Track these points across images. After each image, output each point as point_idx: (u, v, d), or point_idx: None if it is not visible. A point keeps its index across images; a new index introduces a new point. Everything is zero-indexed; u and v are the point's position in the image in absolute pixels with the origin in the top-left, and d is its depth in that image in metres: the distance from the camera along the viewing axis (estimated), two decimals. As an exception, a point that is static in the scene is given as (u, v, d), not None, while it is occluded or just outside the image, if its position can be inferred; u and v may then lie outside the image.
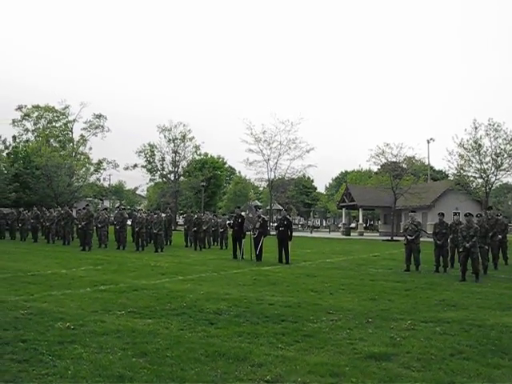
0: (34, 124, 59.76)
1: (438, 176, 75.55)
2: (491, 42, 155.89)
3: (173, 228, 31.47)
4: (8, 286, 11.25)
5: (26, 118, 59.44)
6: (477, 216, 17.03)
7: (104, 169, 59.23)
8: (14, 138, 56.44)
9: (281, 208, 52.58)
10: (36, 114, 59.72)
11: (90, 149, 58.55)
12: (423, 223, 31.95)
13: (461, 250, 14.56)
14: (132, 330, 7.11)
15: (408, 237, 16.37)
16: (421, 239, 16.71)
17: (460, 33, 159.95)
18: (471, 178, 43.37)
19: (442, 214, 17.09)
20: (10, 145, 55.32)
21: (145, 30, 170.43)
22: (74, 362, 5.59)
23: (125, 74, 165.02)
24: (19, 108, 59.43)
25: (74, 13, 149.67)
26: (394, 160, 46.09)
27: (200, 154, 71.60)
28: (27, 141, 58.10)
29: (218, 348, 6.23)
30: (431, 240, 17.32)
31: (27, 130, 59.49)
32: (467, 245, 14.09)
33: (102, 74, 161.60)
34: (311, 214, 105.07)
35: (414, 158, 48.27)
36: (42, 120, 59.86)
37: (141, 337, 6.73)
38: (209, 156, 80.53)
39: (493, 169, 40.87)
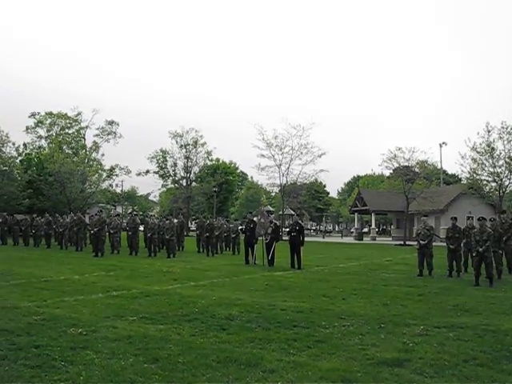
0: (47, 131, 60.17)
1: (451, 180, 75.09)
2: (506, 44, 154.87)
3: (185, 234, 31.51)
4: (21, 291, 11.30)
5: (40, 124, 59.89)
6: (490, 220, 16.88)
7: (116, 175, 59.51)
8: (25, 145, 56.77)
9: (293, 213, 52.60)
10: (49, 120, 60.15)
11: (103, 155, 58.86)
12: (436, 227, 31.81)
13: (474, 254, 14.45)
14: (144, 335, 7.12)
15: (421, 241, 16.29)
16: (434, 244, 16.63)
17: (473, 35, 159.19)
18: (484, 182, 43.00)
19: (455, 219, 16.99)
20: (22, 152, 55.72)
21: (156, 36, 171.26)
22: (86, 368, 5.61)
23: (138, 81, 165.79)
24: (32, 115, 59.91)
25: (90, 20, 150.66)
26: (407, 164, 45.90)
27: (212, 160, 71.79)
28: (39, 147, 58.50)
29: (230, 354, 6.22)
30: (444, 244, 17.23)
31: (40, 137, 59.91)
32: (480, 249, 13.99)
33: (115, 80, 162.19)
34: (323, 218, 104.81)
35: (426, 161, 47.98)
36: (55, 127, 60.26)
37: (153, 342, 6.74)
38: (221, 161, 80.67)
39: (506, 172, 40.51)
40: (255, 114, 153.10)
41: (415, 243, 17.18)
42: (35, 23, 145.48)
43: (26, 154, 55.63)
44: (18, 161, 52.68)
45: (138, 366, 5.70)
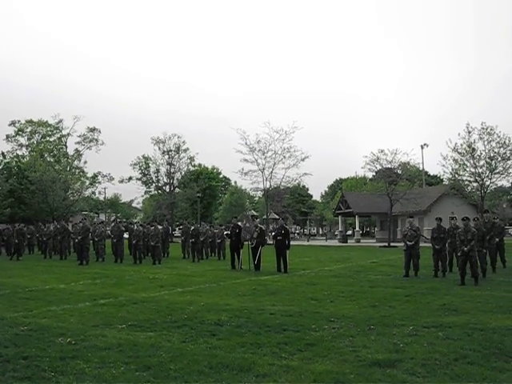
0: (28, 139, 59.84)
1: (433, 181, 75.68)
2: (484, 45, 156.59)
3: (170, 240, 31.40)
4: (6, 302, 11.18)
5: (20, 133, 59.46)
6: (474, 220, 17.02)
7: (99, 182, 59.49)
8: (3, 154, 56.20)
9: (277, 217, 52.55)
10: (30, 128, 59.86)
11: (85, 162, 58.67)
12: (420, 228, 31.97)
13: (459, 254, 14.55)
14: (134, 343, 7.08)
15: (408, 242, 16.38)
16: (419, 244, 16.72)
17: (452, 36, 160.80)
18: (466, 182, 43.38)
19: (440, 219, 17.09)
20: (1, 161, 55.18)
21: (136, 41, 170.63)
22: (77, 378, 5.55)
23: (117, 86, 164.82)
24: (12, 123, 59.53)
25: (68, 24, 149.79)
26: (389, 166, 46.13)
27: (194, 165, 71.78)
28: (17, 156, 57.97)
29: (222, 359, 6.20)
30: (429, 245, 17.34)
31: (21, 145, 59.51)
32: (465, 249, 14.09)
33: (95, 85, 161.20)
34: (307, 222, 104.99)
35: (408, 163, 48.27)
36: (36, 135, 59.96)
37: (143, 350, 6.69)
38: (203, 167, 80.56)
39: (487, 172, 40.90)
40: (237, 119, 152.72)
41: (400, 244, 17.26)
42: (13, 29, 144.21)
43: (5, 163, 55.13)
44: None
45: (129, 375, 5.65)
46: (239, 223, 21.35)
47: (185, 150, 63.10)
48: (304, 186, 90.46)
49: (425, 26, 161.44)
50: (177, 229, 70.18)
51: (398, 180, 45.92)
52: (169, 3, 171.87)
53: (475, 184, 42.21)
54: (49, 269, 20.21)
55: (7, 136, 59.14)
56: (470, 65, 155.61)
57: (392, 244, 41.27)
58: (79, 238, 23.36)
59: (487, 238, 16.98)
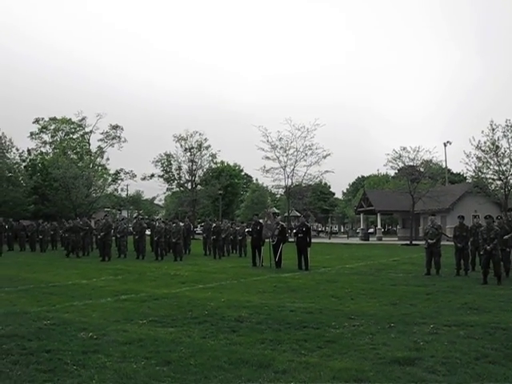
0: (52, 136, 60.52)
1: (456, 179, 74.92)
2: (508, 42, 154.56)
3: (191, 237, 31.52)
4: (30, 297, 11.33)
5: (44, 130, 60.14)
6: (497, 218, 16.84)
7: (121, 179, 59.88)
8: (29, 151, 56.90)
9: (298, 215, 52.54)
10: (53, 126, 60.50)
11: (108, 159, 59.11)
12: (442, 227, 31.61)
13: (482, 252, 14.44)
14: (154, 338, 7.13)
15: (429, 240, 16.29)
16: (441, 243, 16.60)
17: (476, 33, 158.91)
18: (490, 180, 42.94)
19: (462, 217, 16.96)
20: (27, 158, 55.88)
21: (158, 37, 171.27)
22: (98, 372, 5.61)
23: (141, 84, 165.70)
24: (36, 121, 60.26)
25: (88, 23, 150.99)
26: (411, 164, 45.87)
27: (216, 163, 71.88)
28: (41, 153, 58.63)
29: (241, 355, 6.22)
30: (451, 243, 17.21)
31: (45, 143, 60.19)
32: (488, 247, 13.98)
33: (118, 83, 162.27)
34: (329, 219, 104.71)
35: (431, 161, 47.91)
36: (60, 132, 60.60)
37: (163, 345, 6.74)
38: (225, 164, 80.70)
39: (511, 170, 40.44)
40: (260, 115, 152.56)
41: (422, 243, 17.16)
42: (39, 32, 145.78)
43: (30, 160, 55.79)
44: (22, 166, 52.82)
45: (149, 369, 5.70)
46: (260, 220, 21.36)
47: (206, 148, 63.31)
48: (326, 184, 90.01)
49: (448, 21, 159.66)
50: (198, 226, 70.41)
51: (420, 178, 45.61)
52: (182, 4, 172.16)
53: (499, 182, 41.76)
54: (72, 265, 20.41)
55: (31, 133, 59.92)
56: (498, 61, 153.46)
57: (414, 242, 41.00)
58: (101, 234, 23.56)
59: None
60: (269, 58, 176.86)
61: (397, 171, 52.37)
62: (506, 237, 15.00)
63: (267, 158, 54.40)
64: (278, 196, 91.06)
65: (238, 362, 5.94)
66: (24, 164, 54.19)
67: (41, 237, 30.95)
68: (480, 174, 42.58)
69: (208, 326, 8.00)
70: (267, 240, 19.90)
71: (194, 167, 63.17)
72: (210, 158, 65.29)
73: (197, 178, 64.38)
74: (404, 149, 44.81)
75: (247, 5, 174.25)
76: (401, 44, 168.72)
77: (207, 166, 65.82)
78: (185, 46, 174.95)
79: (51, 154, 56.98)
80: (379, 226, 62.70)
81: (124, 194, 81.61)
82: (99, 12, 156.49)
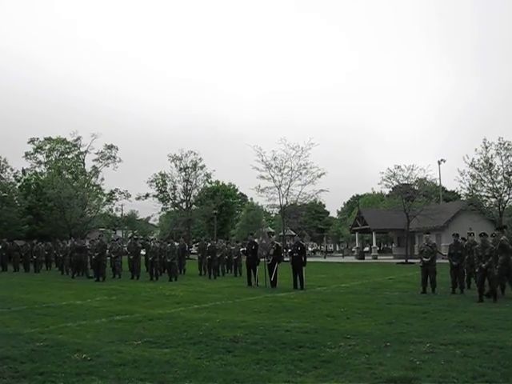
0: (47, 156, 60.48)
1: (451, 197, 75.16)
2: (503, 61, 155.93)
3: (186, 256, 31.43)
4: (23, 318, 11.26)
5: (39, 150, 60.16)
6: (492, 236, 16.86)
7: (116, 199, 59.82)
8: (23, 171, 56.79)
9: (293, 234, 52.46)
10: (48, 146, 60.51)
11: (102, 179, 59.08)
12: (437, 244, 31.63)
13: (477, 270, 14.44)
14: (149, 359, 7.08)
15: (424, 259, 16.28)
16: (436, 261, 16.60)
17: (471, 51, 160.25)
18: (484, 198, 43.11)
19: (457, 235, 16.98)
20: (21, 178, 55.82)
21: (153, 56, 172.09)
22: (92, 394, 5.56)
23: (135, 104, 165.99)
24: (31, 141, 60.28)
25: (85, 42, 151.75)
26: (406, 182, 45.97)
27: (211, 182, 71.97)
28: (35, 173, 58.60)
29: (237, 376, 6.17)
30: (446, 261, 17.21)
31: (40, 163, 60.15)
32: (483, 265, 13.97)
33: (113, 103, 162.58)
34: (324, 238, 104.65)
35: (425, 179, 48.08)
36: (55, 152, 60.60)
37: (158, 366, 6.69)
38: (220, 184, 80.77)
39: (505, 188, 40.61)
40: (255, 135, 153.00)
41: (417, 261, 17.15)
42: (33, 53, 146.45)
43: (24, 180, 55.73)
44: (17, 187, 52.75)
45: (144, 391, 5.65)
46: (255, 240, 21.33)
47: (201, 167, 63.46)
48: (320, 203, 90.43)
49: (443, 39, 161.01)
50: (193, 245, 70.25)
51: (414, 196, 45.70)
52: (176, 19, 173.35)
53: (493, 200, 41.92)
54: (66, 285, 20.32)
55: (26, 153, 59.89)
56: (491, 78, 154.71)
57: (409, 260, 40.94)
58: (96, 254, 23.48)
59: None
60: (264, 76, 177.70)
61: (391, 189, 52.53)
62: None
63: (262, 177, 54.62)
64: (273, 215, 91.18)
65: (234, 383, 5.89)
66: (18, 184, 54.13)
67: (35, 257, 30.80)
68: (474, 191, 42.75)
69: (203, 347, 7.95)
70: (262, 259, 19.85)
71: (189, 187, 63.26)
72: (205, 178, 65.51)
73: (192, 198, 64.44)
74: (398, 167, 44.97)
75: (244, 23, 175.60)
76: (397, 63, 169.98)
77: (202, 185, 65.99)
78: (181, 66, 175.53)
79: (46, 174, 56.91)
80: (374, 245, 62.69)
81: (119, 214, 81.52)
82: (93, 35, 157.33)
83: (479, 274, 14.18)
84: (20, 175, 55.76)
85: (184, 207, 64.02)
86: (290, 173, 54.05)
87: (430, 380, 5.96)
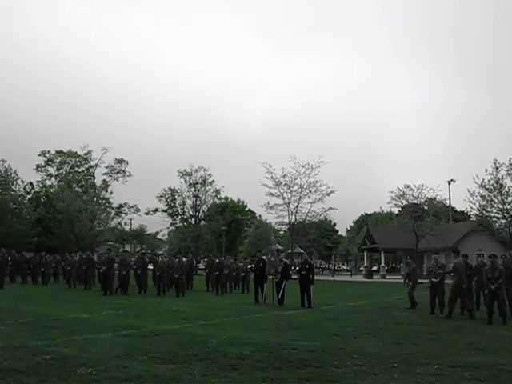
0: (57, 169, 60.89)
1: (460, 217, 74.79)
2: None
3: (194, 272, 31.40)
4: (30, 330, 11.24)
5: (49, 163, 60.59)
6: (501, 257, 16.75)
7: (125, 213, 60.09)
8: (31, 184, 57.10)
9: (302, 251, 52.34)
10: (59, 159, 60.95)
11: (111, 193, 59.34)
12: (446, 265, 31.26)
13: (486, 292, 14.32)
14: (154, 375, 7.04)
15: (433, 279, 16.19)
16: (445, 281, 16.49)
17: (479, 71, 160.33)
18: (494, 219, 42.93)
19: (466, 256, 16.87)
20: (31, 190, 56.18)
21: (164, 69, 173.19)
22: (97, 409, 5.53)
23: (145, 118, 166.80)
24: (42, 153, 60.79)
25: (91, 58, 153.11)
26: (415, 202, 45.90)
27: (220, 198, 72.01)
28: (44, 186, 58.96)
29: (242, 394, 6.13)
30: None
31: (50, 175, 60.56)
32: (493, 287, 13.86)
33: (124, 118, 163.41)
34: (332, 257, 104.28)
35: (435, 199, 47.99)
36: (65, 165, 61.02)
37: (163, 382, 6.67)
38: (229, 200, 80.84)
39: (516, 209, 40.43)
40: (263, 152, 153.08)
41: (426, 281, 17.06)
42: (45, 58, 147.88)
43: (34, 192, 56.08)
44: (26, 199, 53.06)
45: (149, 407, 5.62)
46: (264, 257, 21.29)
47: (211, 183, 63.57)
48: (330, 221, 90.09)
49: (455, 58, 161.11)
50: (201, 261, 70.24)
51: (424, 216, 45.59)
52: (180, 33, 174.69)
53: (503, 221, 41.75)
54: (73, 298, 20.31)
55: (37, 166, 60.39)
56: (504, 99, 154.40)
57: (418, 281, 40.61)
58: (104, 268, 23.48)
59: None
60: (274, 91, 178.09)
61: (400, 209, 52.39)
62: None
63: (271, 194, 54.56)
64: (282, 232, 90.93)
65: (239, 401, 5.85)
66: (28, 196, 54.45)
67: (43, 269, 30.85)
68: (484, 212, 42.60)
69: (209, 364, 7.90)
70: (270, 277, 19.80)
71: (198, 202, 63.33)
72: (214, 194, 65.51)
73: (201, 214, 64.48)
74: (408, 187, 44.99)
75: (252, 36, 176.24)
76: (405, 81, 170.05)
77: (211, 201, 65.98)
78: (190, 76, 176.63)
79: (56, 187, 57.26)
80: (383, 264, 62.39)
81: (127, 228, 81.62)
82: (101, 42, 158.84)
83: (488, 295, 14.07)
84: (29, 188, 56.14)
85: (193, 223, 64.08)
86: (300, 190, 54.09)
87: (438, 402, 5.90)
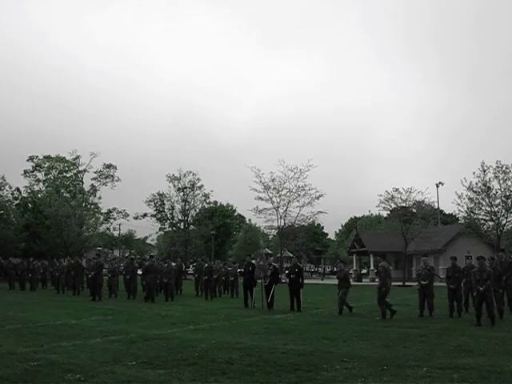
0: (45, 174, 60.58)
1: (448, 220, 75.16)
2: (497, 79, 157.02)
3: (183, 277, 31.31)
4: (17, 336, 11.15)
5: (38, 168, 60.30)
6: (489, 259, 16.85)
7: (114, 218, 59.79)
8: (18, 189, 56.65)
9: (291, 255, 52.38)
10: (47, 164, 60.64)
11: (100, 198, 59.11)
12: (435, 267, 31.58)
13: (475, 294, 14.38)
14: (143, 381, 7.00)
15: (422, 282, 16.24)
16: (434, 284, 16.55)
17: (467, 71, 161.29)
18: (482, 221, 43.17)
19: (455, 258, 16.95)
20: (18, 195, 55.84)
21: (150, 73, 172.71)
22: (85, 415, 5.48)
23: (133, 123, 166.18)
24: (30, 159, 60.44)
25: (79, 59, 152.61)
26: (404, 205, 46.08)
27: (209, 203, 71.85)
28: (32, 191, 58.67)
29: (231, 398, 6.10)
30: (444, 284, 17.15)
31: (38, 181, 60.25)
32: (481, 289, 13.91)
33: (112, 121, 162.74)
34: (322, 260, 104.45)
35: (423, 202, 48.15)
36: (53, 170, 60.72)
37: (152, 388, 6.62)
38: (218, 204, 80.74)
39: (503, 211, 40.71)
40: (252, 157, 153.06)
41: (415, 284, 17.13)
42: (30, 60, 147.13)
43: (22, 198, 55.75)
44: (14, 204, 52.74)
45: (137, 413, 5.58)
46: (253, 261, 21.28)
47: (199, 187, 63.43)
48: (319, 225, 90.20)
49: (437, 58, 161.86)
50: (190, 266, 70.11)
51: (412, 219, 45.77)
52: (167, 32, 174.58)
53: (491, 223, 41.99)
54: (61, 304, 20.19)
55: (25, 171, 60.02)
56: (483, 98, 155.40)
57: (407, 283, 40.83)
58: (92, 273, 23.37)
59: (504, 278, 16.73)
60: (260, 90, 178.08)
61: (389, 212, 52.59)
62: None
63: (260, 198, 54.44)
64: (271, 236, 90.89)
65: (228, 406, 5.82)
66: (16, 202, 54.12)
67: (31, 275, 30.66)
68: (472, 214, 42.85)
69: (198, 368, 7.86)
70: (259, 281, 19.78)
71: (187, 207, 63.13)
72: (203, 198, 65.32)
73: (190, 218, 64.26)
74: (396, 190, 45.15)
75: (238, 33, 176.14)
76: (390, 81, 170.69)
77: (200, 205, 65.79)
78: (178, 82, 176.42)
79: (44, 192, 56.98)
80: (372, 267, 62.54)
81: (116, 233, 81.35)
82: (90, 43, 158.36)
83: (477, 297, 14.12)
84: (16, 193, 55.77)
85: (182, 227, 63.90)
86: (288, 194, 53.93)
87: (428, 405, 5.90)
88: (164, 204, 64.47)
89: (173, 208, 63.88)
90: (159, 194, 64.45)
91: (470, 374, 7.50)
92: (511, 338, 11.33)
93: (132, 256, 32.35)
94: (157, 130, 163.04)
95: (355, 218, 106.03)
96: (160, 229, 69.06)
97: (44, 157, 60.89)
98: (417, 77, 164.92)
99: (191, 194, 62.81)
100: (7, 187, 49.96)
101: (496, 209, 40.86)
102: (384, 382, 7.03)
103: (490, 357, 8.89)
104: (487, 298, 13.91)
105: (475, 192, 41.50)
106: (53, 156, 61.07)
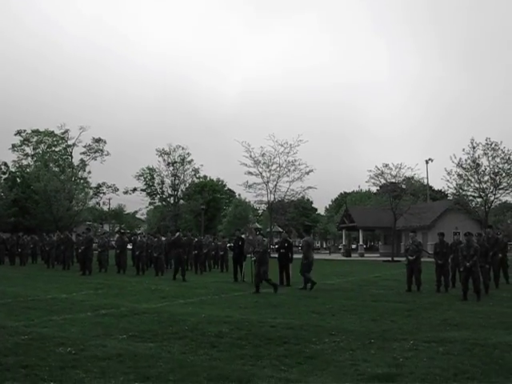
0: (34, 149, 60.10)
1: (438, 196, 75.59)
2: (491, 57, 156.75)
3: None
4: (8, 311, 11.20)
5: (26, 142, 59.78)
6: (477, 235, 17.03)
7: (104, 193, 59.68)
8: (6, 164, 56.26)
9: (281, 230, 52.44)
10: (35, 138, 60.12)
11: (89, 173, 58.85)
12: (423, 243, 32.00)
13: (461, 269, 14.55)
14: (134, 354, 7.08)
15: (409, 257, 16.38)
16: (422, 259, 16.69)
17: (458, 52, 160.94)
18: (470, 198, 43.39)
19: (442, 234, 17.07)
20: (6, 170, 55.44)
21: (142, 49, 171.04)
22: (76, 387, 5.55)
23: (124, 97, 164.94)
24: (18, 133, 59.85)
25: (71, 32, 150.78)
26: (393, 181, 46.15)
27: (199, 177, 71.82)
28: (20, 166, 58.27)
29: (221, 371, 6.20)
30: (432, 260, 17.32)
31: (27, 155, 59.79)
32: (468, 264, 14.07)
33: (102, 95, 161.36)
34: (311, 235, 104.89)
35: (413, 178, 48.37)
36: (42, 145, 60.22)
37: (143, 361, 6.70)
38: (208, 179, 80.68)
39: (491, 188, 40.88)
40: (242, 131, 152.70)
41: (403, 259, 17.27)
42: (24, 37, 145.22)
43: (10, 172, 55.37)
44: (2, 179, 52.41)
45: (128, 385, 5.65)
46: (242, 236, 21.35)
47: (189, 162, 63.32)
48: (308, 200, 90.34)
49: (431, 36, 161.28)
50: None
51: (402, 195, 45.91)
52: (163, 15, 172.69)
53: (479, 199, 42.20)
54: (51, 278, 20.23)
55: (13, 145, 59.55)
56: (480, 76, 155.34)
57: (396, 258, 41.15)
58: (82, 248, 23.38)
59: (490, 254, 16.93)
60: (249, 64, 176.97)
61: (379, 188, 52.70)
62: None
63: (250, 173, 54.33)
64: (261, 211, 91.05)
65: (218, 378, 5.91)
66: (4, 176, 53.78)
67: (20, 250, 30.63)
68: (461, 191, 42.98)
69: (188, 342, 7.96)
70: (249, 255, 19.86)
71: (177, 182, 63.14)
72: (193, 173, 65.32)
73: (179, 193, 64.30)
74: (386, 166, 45.14)
75: (227, 8, 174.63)
76: (384, 56, 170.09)
77: (190, 180, 65.82)
78: (168, 57, 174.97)
79: (33, 167, 56.60)
80: (361, 243, 62.98)
81: (106, 208, 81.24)
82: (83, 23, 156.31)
83: (463, 273, 14.29)
84: (4, 168, 55.40)
85: (172, 202, 63.96)
86: (278, 169, 53.82)
87: (413, 377, 6.02)
88: (154, 178, 64.53)
89: (162, 183, 63.97)
90: (149, 169, 64.41)
91: (455, 346, 7.64)
92: (495, 312, 11.50)
93: (122, 230, 32.30)
94: (145, 102, 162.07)
95: (345, 193, 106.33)
96: (150, 203, 69.19)
97: (32, 131, 60.35)
98: (413, 51, 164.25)
99: (181, 168, 62.77)
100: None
101: (484, 185, 41.00)
102: (371, 355, 7.15)
103: (474, 330, 9.06)
104: (474, 274, 14.07)
105: (464, 168, 41.59)
106: (41, 130, 60.56)
